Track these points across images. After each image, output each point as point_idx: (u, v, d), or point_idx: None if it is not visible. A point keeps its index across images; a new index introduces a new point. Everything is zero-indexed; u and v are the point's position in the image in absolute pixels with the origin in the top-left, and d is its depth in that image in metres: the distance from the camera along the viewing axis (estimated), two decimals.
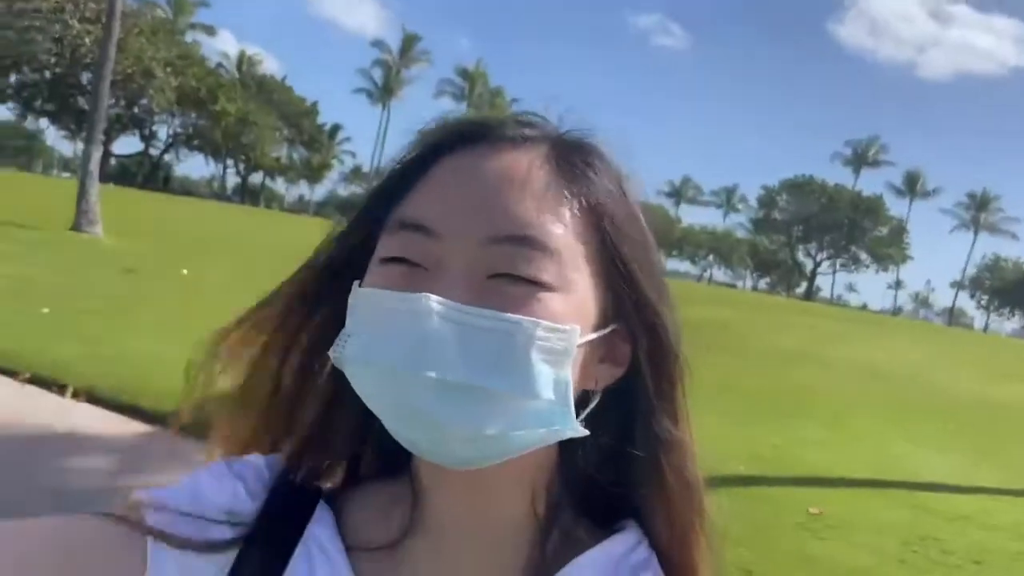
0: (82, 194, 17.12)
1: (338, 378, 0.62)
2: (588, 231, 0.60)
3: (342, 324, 0.61)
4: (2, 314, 8.23)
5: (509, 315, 0.56)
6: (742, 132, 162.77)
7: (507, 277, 0.57)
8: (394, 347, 0.55)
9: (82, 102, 52.52)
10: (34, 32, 45.12)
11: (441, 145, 0.62)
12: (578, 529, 0.66)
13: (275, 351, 0.68)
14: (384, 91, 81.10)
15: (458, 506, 0.64)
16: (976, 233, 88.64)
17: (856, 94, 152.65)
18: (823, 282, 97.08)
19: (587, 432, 0.59)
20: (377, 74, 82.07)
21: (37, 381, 6.24)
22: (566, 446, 0.63)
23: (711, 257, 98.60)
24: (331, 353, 0.60)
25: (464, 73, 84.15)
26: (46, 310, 8.83)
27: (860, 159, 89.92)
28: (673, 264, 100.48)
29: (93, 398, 6.02)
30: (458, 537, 0.64)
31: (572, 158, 0.62)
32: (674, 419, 0.64)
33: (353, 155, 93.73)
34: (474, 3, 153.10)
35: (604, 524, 0.67)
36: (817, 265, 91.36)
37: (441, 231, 0.58)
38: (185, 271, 14.06)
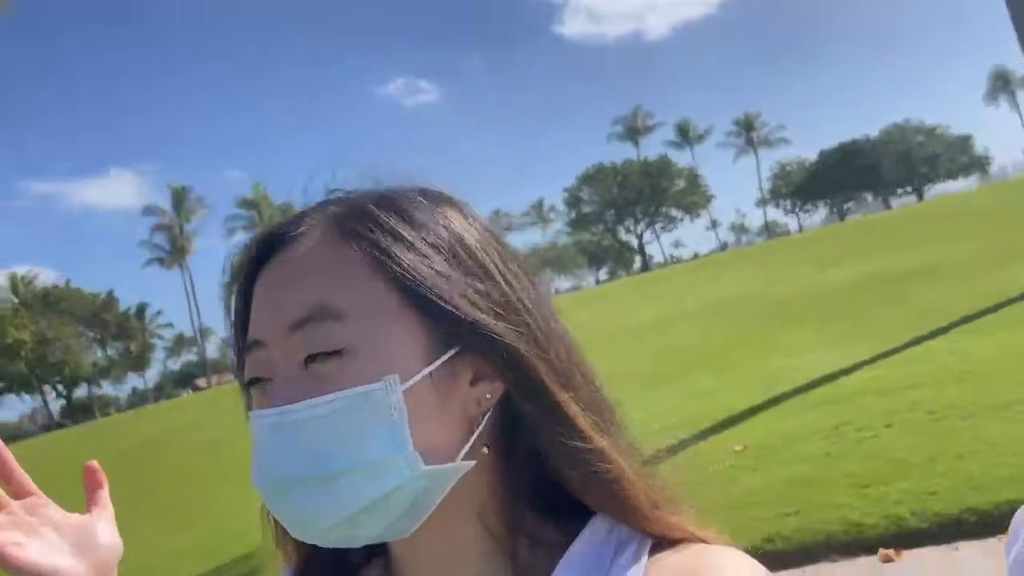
0: None
1: None
2: (380, 280, 0.61)
3: None
4: None
5: (318, 399, 0.58)
6: (526, 150, 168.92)
7: (318, 358, 0.59)
8: (258, 464, 0.62)
9: None
10: None
11: (249, 274, 0.66)
12: (551, 533, 0.65)
13: None
14: (175, 252, 78.26)
15: (425, 564, 0.66)
16: (756, 152, 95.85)
17: (604, 77, 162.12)
18: (653, 250, 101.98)
19: (469, 463, 0.60)
20: (161, 239, 79.13)
21: None
22: (505, 466, 0.64)
23: (547, 272, 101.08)
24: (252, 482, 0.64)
25: (246, 202, 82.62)
26: None
27: (633, 131, 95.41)
28: None
29: None
30: None
31: (347, 221, 0.64)
32: (563, 427, 0.62)
33: (171, 325, 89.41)
34: (224, 132, 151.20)
35: (572, 516, 0.65)
36: (640, 237, 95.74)
37: (264, 339, 0.62)
38: None
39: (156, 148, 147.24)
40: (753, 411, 7.30)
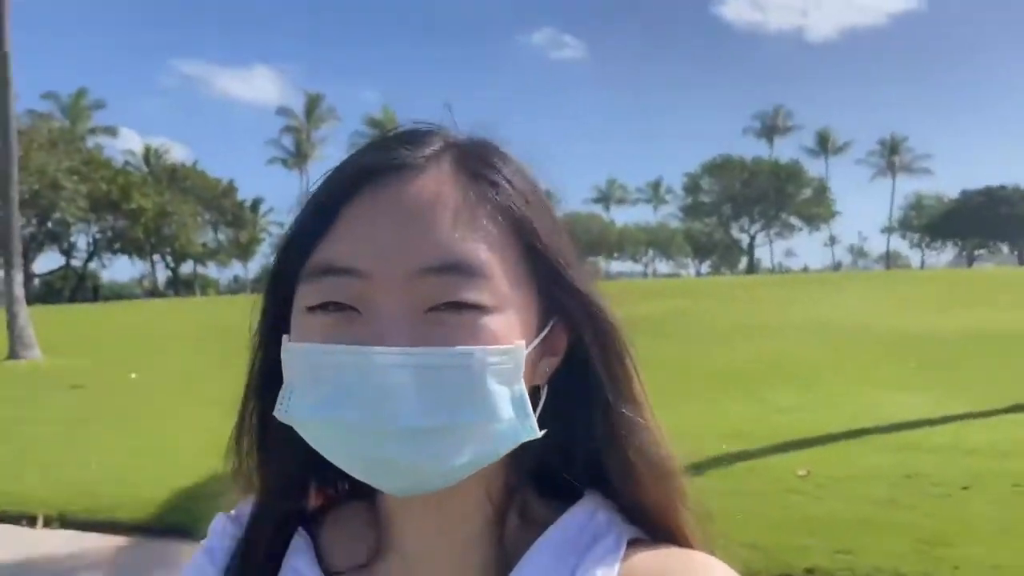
0: (12, 320, 16.62)
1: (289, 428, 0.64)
2: (509, 239, 0.60)
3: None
4: None
5: (459, 348, 0.56)
6: (655, 126, 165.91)
7: (445, 307, 0.56)
8: (353, 403, 0.55)
9: None
10: None
11: (348, 187, 0.60)
12: (538, 509, 0.66)
13: (253, 425, 0.69)
14: (298, 156, 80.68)
15: (422, 527, 0.65)
16: (894, 176, 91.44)
17: (754, 68, 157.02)
18: (762, 253, 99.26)
19: (543, 432, 0.60)
20: (288, 141, 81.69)
21: (4, 519, 6.03)
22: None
23: (651, 252, 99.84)
24: (276, 412, 0.60)
25: (373, 122, 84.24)
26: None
27: (770, 129, 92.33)
28: (616, 266, 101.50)
29: (66, 523, 5.84)
30: (425, 554, 0.65)
31: (476, 167, 0.61)
32: (629, 400, 0.64)
33: (280, 225, 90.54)
34: (369, 53, 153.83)
35: (565, 500, 0.67)
36: (752, 238, 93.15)
37: (369, 270, 0.57)
38: (134, 375, 13.74)
39: (301, 53, 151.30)
40: (827, 439, 7.07)
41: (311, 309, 0.58)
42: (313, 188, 0.63)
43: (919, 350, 13.17)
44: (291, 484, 0.70)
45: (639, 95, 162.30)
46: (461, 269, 0.56)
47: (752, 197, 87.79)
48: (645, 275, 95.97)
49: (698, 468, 6.15)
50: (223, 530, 0.73)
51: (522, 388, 0.59)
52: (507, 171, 0.62)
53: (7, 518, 6.02)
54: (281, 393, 0.60)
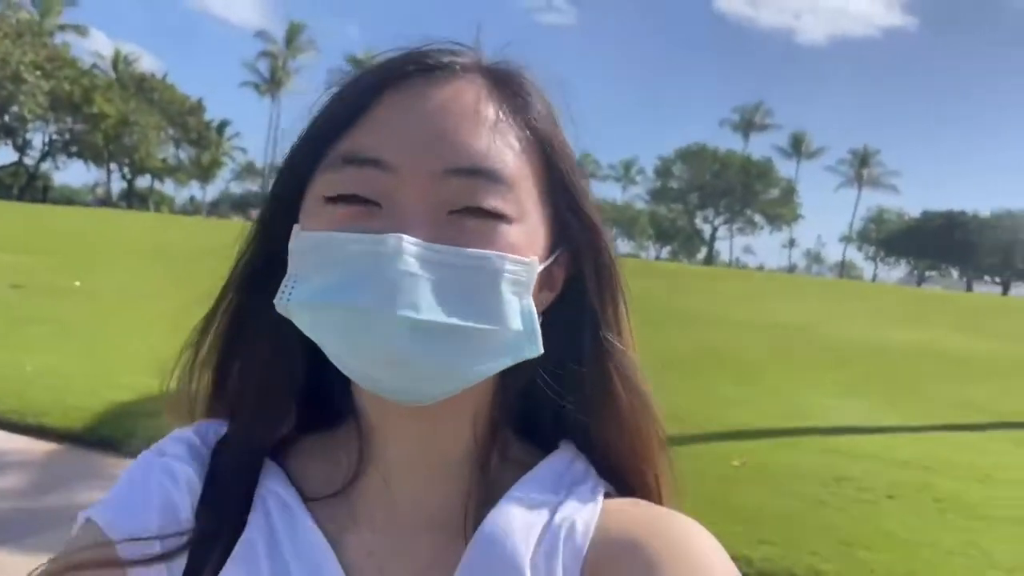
0: None
1: (272, 335, 0.63)
2: (534, 157, 0.60)
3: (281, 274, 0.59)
4: None
5: (478, 251, 0.56)
6: (635, 104, 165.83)
7: (467, 211, 0.56)
8: (367, 289, 0.54)
9: None
10: None
11: (380, 83, 0.59)
12: (517, 451, 0.66)
13: (235, 321, 0.67)
14: (272, 83, 78.87)
15: (405, 440, 0.64)
16: (860, 188, 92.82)
17: (740, 62, 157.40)
18: (722, 247, 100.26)
19: (543, 350, 0.59)
20: (263, 66, 79.76)
21: None
22: (510, 375, 0.62)
23: (614, 230, 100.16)
24: (276, 301, 0.58)
25: (355, 61, 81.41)
26: None
27: (748, 124, 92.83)
28: None
29: None
30: (406, 470, 0.64)
31: (508, 85, 0.62)
32: (619, 332, 0.65)
33: (244, 151, 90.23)
34: None
35: (542, 445, 0.67)
36: (715, 230, 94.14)
37: (396, 164, 0.56)
38: (78, 283, 13.42)
39: None
40: (764, 434, 7.21)
41: (330, 200, 0.57)
42: (348, 79, 0.62)
43: (863, 360, 13.47)
44: (270, 401, 0.66)
45: (624, 70, 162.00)
46: (487, 174, 0.56)
47: (720, 189, 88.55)
48: None
49: None
50: (179, 453, 0.67)
51: (531, 303, 0.58)
52: (535, 97, 0.63)
53: None
54: (284, 283, 0.58)
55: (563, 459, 0.65)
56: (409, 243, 0.54)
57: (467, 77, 0.60)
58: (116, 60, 73.74)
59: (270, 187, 0.64)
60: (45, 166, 67.40)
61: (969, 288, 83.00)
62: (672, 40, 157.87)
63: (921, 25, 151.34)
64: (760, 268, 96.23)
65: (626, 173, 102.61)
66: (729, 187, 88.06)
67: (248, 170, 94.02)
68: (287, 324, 0.59)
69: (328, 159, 0.58)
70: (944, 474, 6.35)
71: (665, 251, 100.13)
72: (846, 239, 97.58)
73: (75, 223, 30.28)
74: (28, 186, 64.88)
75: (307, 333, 0.58)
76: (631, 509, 0.62)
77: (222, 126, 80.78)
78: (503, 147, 0.58)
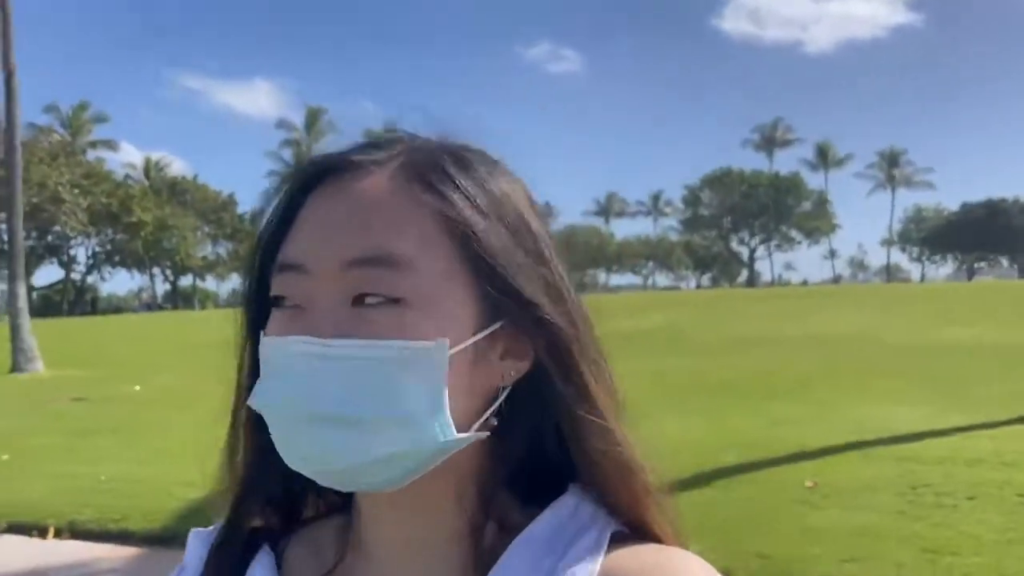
0: (15, 333, 16.67)
1: (256, 431, 0.65)
2: (443, 238, 0.61)
3: None
4: None
5: (371, 341, 0.57)
6: (655, 138, 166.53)
7: (367, 301, 0.58)
8: (276, 388, 0.59)
9: None
10: None
11: (304, 185, 0.64)
12: (515, 513, 0.66)
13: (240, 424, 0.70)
14: None
15: (388, 524, 0.65)
16: (893, 190, 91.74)
17: (752, 81, 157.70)
18: (762, 266, 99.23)
19: (458, 436, 0.59)
20: (287, 154, 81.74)
21: (15, 529, 6.06)
22: (494, 441, 0.64)
23: (650, 265, 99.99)
24: (248, 402, 0.63)
25: (372, 135, 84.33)
26: (5, 456, 8.57)
27: (769, 142, 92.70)
28: (616, 279, 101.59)
29: (76, 532, 5.87)
30: (394, 553, 0.66)
31: (423, 170, 0.63)
32: (587, 403, 0.64)
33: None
34: (369, 65, 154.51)
35: (544, 499, 0.66)
36: (752, 251, 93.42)
37: (308, 266, 0.60)
38: (137, 387, 13.77)
39: (300, 66, 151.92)
40: (832, 451, 7.10)
41: (275, 304, 0.62)
42: (280, 182, 0.67)
43: (919, 363, 13.21)
44: (259, 494, 0.71)
45: (638, 108, 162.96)
46: (384, 261, 0.58)
47: (752, 210, 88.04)
48: (645, 288, 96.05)
49: (705, 479, 6.19)
50: (195, 547, 0.74)
51: (441, 387, 0.58)
52: (458, 175, 0.63)
53: (18, 528, 6.05)
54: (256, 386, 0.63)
55: (566, 507, 0.65)
56: (300, 342, 0.58)
57: (380, 172, 0.62)
58: (147, 168, 76.35)
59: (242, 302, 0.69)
60: (91, 279, 69.50)
61: (1021, 275, 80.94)
62: (682, 70, 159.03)
63: (927, 19, 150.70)
64: (804, 283, 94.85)
65: (655, 206, 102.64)
66: (761, 206, 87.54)
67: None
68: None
69: (273, 267, 0.63)
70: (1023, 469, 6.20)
71: (705, 279, 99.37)
72: (888, 242, 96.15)
73: (125, 330, 31.09)
74: (77, 300, 66.80)
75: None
76: (633, 555, 0.62)
77: (255, 217, 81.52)
78: (403, 233, 0.59)
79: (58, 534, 5.91)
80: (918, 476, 6.08)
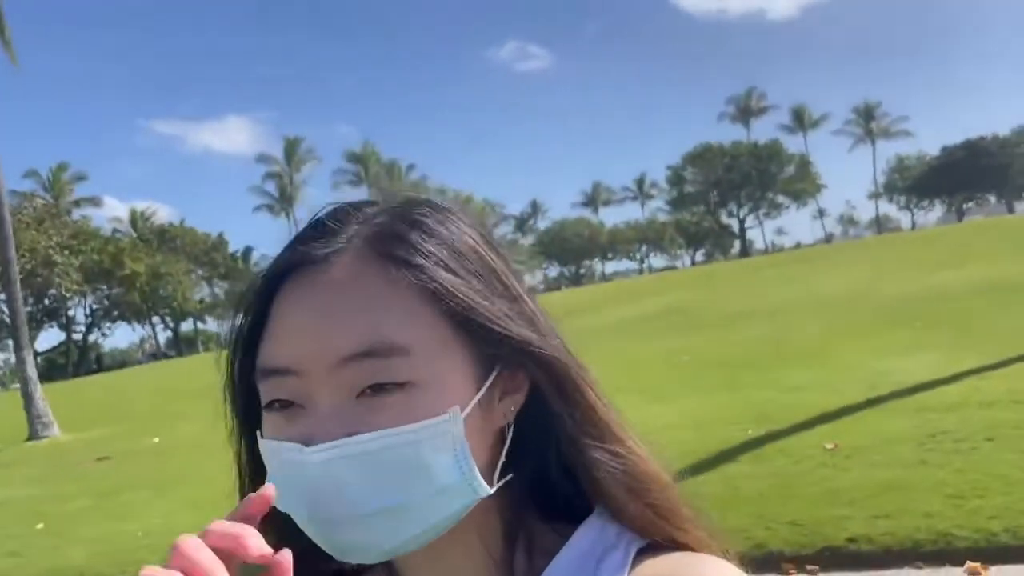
0: (28, 401, 16.74)
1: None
2: (426, 308, 0.61)
3: None
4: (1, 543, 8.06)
5: (388, 431, 0.58)
6: (632, 124, 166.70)
7: (371, 391, 0.59)
8: (297, 498, 0.60)
9: None
10: None
11: (271, 287, 0.64)
12: (545, 539, 0.67)
13: None
14: (283, 200, 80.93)
15: (421, 571, 0.67)
16: (873, 143, 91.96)
17: (721, 55, 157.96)
18: (754, 235, 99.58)
19: (493, 489, 0.62)
20: (271, 186, 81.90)
21: None
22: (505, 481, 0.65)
23: (644, 248, 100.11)
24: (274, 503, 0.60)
25: (354, 157, 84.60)
26: (40, 525, 8.66)
27: (745, 112, 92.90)
28: (612, 266, 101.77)
29: None
30: None
31: (387, 247, 0.62)
32: (591, 428, 0.65)
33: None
34: (339, 87, 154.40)
35: (574, 518, 0.67)
36: (742, 222, 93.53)
37: (298, 369, 0.60)
38: (156, 439, 13.86)
39: (272, 98, 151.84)
40: (848, 410, 7.22)
41: (267, 408, 0.63)
42: (248, 285, 0.67)
43: (923, 311, 13.32)
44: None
45: (611, 97, 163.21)
46: (378, 352, 0.58)
47: (736, 181, 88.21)
48: (640, 271, 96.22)
49: (733, 454, 6.30)
50: None
51: (466, 451, 0.60)
52: (422, 241, 0.63)
53: None
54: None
55: (593, 528, 0.66)
56: (317, 451, 0.58)
57: (343, 259, 0.62)
58: (134, 219, 76.39)
59: (226, 397, 0.69)
60: (93, 336, 69.43)
61: (1010, 210, 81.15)
62: (650, 54, 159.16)
63: None
64: (797, 246, 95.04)
65: (641, 190, 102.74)
66: (744, 177, 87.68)
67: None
68: None
69: (256, 372, 0.63)
70: None
71: (699, 255, 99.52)
72: (874, 195, 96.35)
73: (134, 383, 31.13)
74: (81, 360, 66.75)
75: None
76: (661, 565, 0.63)
77: (247, 253, 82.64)
78: (389, 316, 0.60)
79: None
80: (935, 424, 6.19)
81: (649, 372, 11.59)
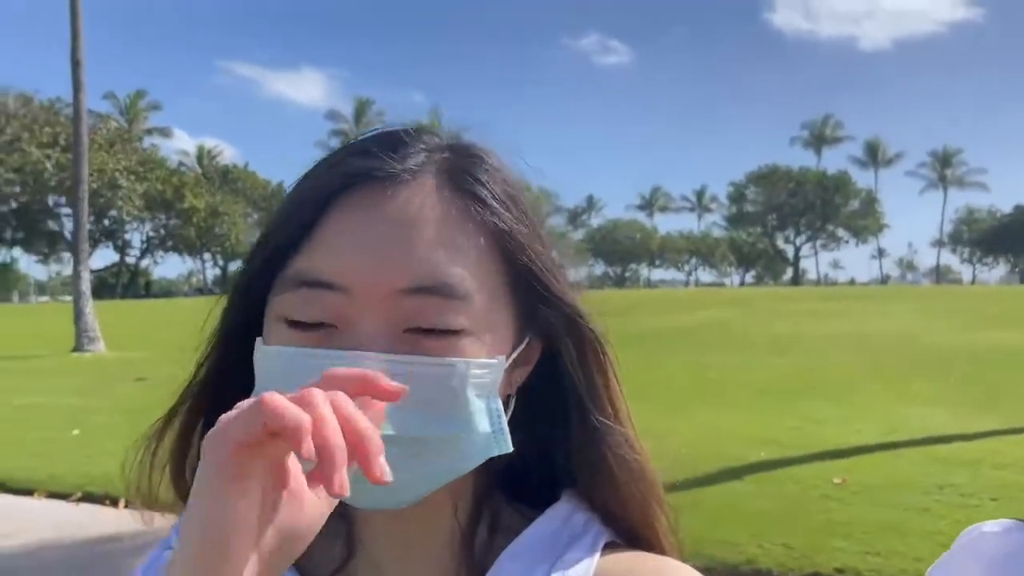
0: (79, 315, 17.38)
1: None
2: (491, 254, 0.59)
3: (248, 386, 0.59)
4: (35, 443, 8.51)
5: (439, 359, 0.55)
6: (702, 134, 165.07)
7: (423, 329, 0.55)
8: None
9: (51, 225, 52.96)
10: None
11: (328, 195, 0.58)
12: (510, 517, 0.66)
13: (190, 428, 0.67)
14: None
15: (386, 534, 0.64)
16: (945, 190, 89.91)
17: (804, 77, 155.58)
18: (808, 264, 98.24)
19: (512, 448, 0.59)
20: (335, 144, 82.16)
21: (89, 499, 6.52)
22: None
23: (693, 260, 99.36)
24: None
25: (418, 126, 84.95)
26: (76, 431, 9.10)
27: (819, 139, 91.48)
28: (658, 274, 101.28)
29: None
30: (393, 558, 0.65)
31: (460, 180, 0.60)
32: (605, 408, 0.63)
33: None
34: (417, 55, 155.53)
35: (539, 503, 0.66)
36: (797, 249, 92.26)
37: (349, 286, 0.55)
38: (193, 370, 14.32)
39: (349, 55, 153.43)
40: (863, 449, 7.28)
41: (288, 322, 0.57)
42: (292, 190, 0.62)
43: (960, 366, 13.19)
44: None
45: (686, 102, 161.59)
46: (441, 291, 0.55)
47: (798, 208, 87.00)
48: (687, 284, 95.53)
49: (737, 473, 6.43)
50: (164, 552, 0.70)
51: (499, 403, 0.58)
52: (491, 182, 0.61)
53: (90, 498, 6.51)
54: (253, 396, 0.55)
55: (559, 515, 0.64)
56: (368, 358, 0.53)
57: (416, 181, 0.58)
58: (200, 155, 78.04)
59: (225, 302, 0.65)
60: (145, 262, 71.20)
61: None
62: (732, 65, 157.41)
63: (988, 15, 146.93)
64: (851, 282, 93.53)
65: (700, 202, 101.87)
66: (807, 204, 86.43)
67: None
68: None
69: (282, 279, 0.58)
70: None
71: (749, 276, 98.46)
72: (938, 243, 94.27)
73: (180, 313, 31.82)
74: (131, 283, 68.57)
75: None
76: (625, 562, 0.62)
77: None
78: (456, 257, 0.56)
79: (128, 504, 6.35)
80: (944, 476, 6.25)
81: (672, 383, 11.69)
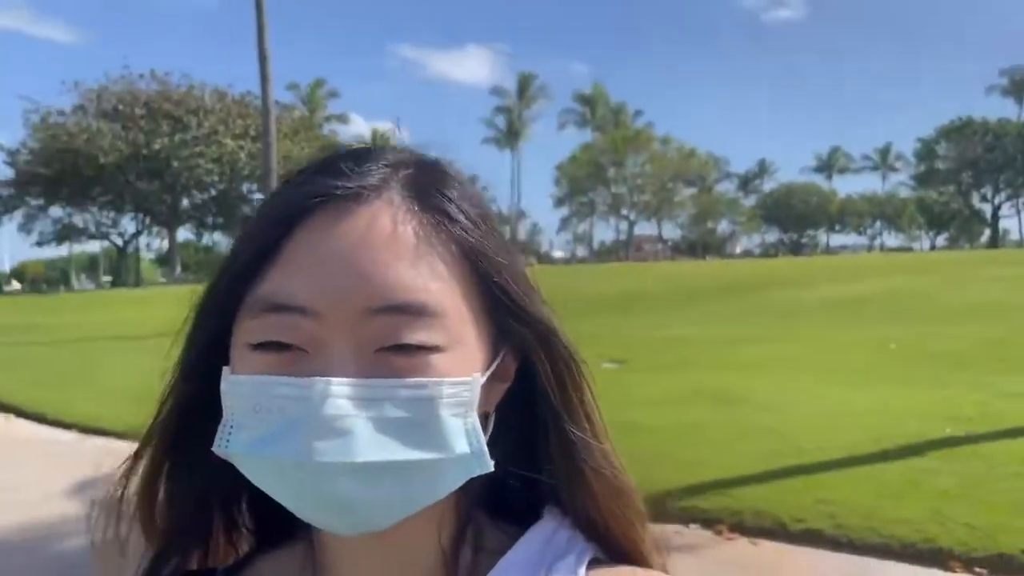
0: None
1: (203, 474, 0.62)
2: (462, 270, 0.58)
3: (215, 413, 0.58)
4: None
5: (413, 380, 0.54)
6: (883, 90, 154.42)
7: (395, 348, 0.54)
8: (298, 439, 0.53)
9: (247, 210, 57.19)
10: (195, 158, 50.00)
11: (292, 216, 0.57)
12: (493, 536, 0.65)
13: (156, 473, 0.65)
14: (509, 135, 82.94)
15: (363, 560, 0.62)
16: None
17: (998, 20, 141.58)
18: (1009, 224, 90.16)
19: (493, 467, 0.58)
20: (500, 120, 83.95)
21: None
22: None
23: (878, 224, 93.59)
24: (215, 448, 0.56)
25: (583, 99, 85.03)
26: None
27: (1020, 87, 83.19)
28: (839, 239, 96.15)
29: None
30: None
31: (427, 195, 0.59)
32: (581, 423, 0.63)
33: (494, 201, 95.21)
34: (577, 25, 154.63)
35: (523, 521, 0.65)
36: (997, 209, 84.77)
37: (317, 309, 0.54)
38: None
39: (511, 30, 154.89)
40: None
41: (253, 347, 0.56)
42: (258, 209, 0.62)
43: None
44: (192, 530, 0.68)
45: (864, 58, 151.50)
46: (411, 309, 0.55)
47: (996, 163, 79.76)
48: (870, 249, 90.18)
49: (920, 449, 6.19)
50: None
51: (475, 421, 0.57)
52: (459, 198, 0.60)
53: None
54: (221, 428, 0.56)
55: (543, 533, 0.64)
56: (338, 384, 0.53)
57: (382, 198, 0.57)
58: (375, 139, 79.64)
59: (188, 331, 0.62)
60: None
61: None
62: (914, 15, 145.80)
63: None
64: None
65: (883, 161, 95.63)
66: (1007, 159, 79.08)
67: (499, 219, 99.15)
68: (219, 462, 0.58)
69: (247, 304, 0.57)
70: None
71: (941, 239, 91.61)
72: None
73: None
74: None
75: (251, 480, 0.57)
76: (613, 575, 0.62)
77: (471, 182, 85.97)
78: (427, 274, 0.56)
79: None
80: None
81: (849, 356, 11.23)
